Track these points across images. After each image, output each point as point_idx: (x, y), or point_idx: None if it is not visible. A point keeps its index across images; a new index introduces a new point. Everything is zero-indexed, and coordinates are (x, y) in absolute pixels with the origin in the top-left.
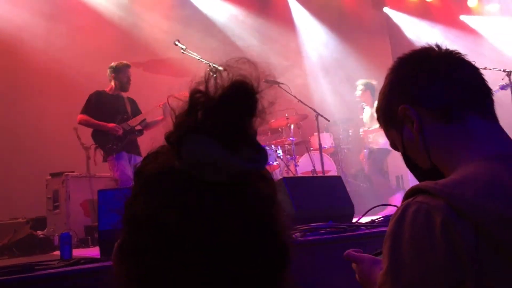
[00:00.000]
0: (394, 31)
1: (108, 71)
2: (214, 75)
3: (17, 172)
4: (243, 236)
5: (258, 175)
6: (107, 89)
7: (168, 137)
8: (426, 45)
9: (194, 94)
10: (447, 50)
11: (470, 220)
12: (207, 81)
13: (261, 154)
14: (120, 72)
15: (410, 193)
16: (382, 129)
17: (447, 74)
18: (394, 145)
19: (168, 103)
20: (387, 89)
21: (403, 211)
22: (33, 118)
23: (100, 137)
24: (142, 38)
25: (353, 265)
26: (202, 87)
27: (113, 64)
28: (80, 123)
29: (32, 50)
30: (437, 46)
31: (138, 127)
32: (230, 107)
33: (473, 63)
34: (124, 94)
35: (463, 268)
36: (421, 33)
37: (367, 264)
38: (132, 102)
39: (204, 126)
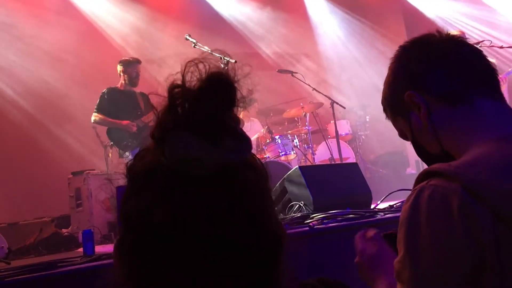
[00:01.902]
0: (408, 10)
1: (118, 66)
2: (226, 67)
3: (40, 172)
4: (231, 227)
5: (245, 164)
6: (118, 85)
7: (152, 134)
8: (427, 33)
9: (173, 89)
10: (448, 35)
11: (486, 202)
12: (184, 75)
13: (244, 144)
14: (129, 67)
15: (423, 177)
16: (389, 120)
17: (450, 57)
18: (402, 134)
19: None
20: (391, 78)
21: (417, 195)
22: (54, 118)
23: (115, 135)
24: (157, 35)
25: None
26: (179, 82)
27: (123, 58)
28: (95, 122)
29: (50, 48)
30: (438, 32)
31: (152, 123)
32: (208, 100)
33: (477, 46)
34: (136, 89)
35: (482, 251)
36: (437, 9)
37: (366, 263)
38: (145, 97)
39: (184, 121)
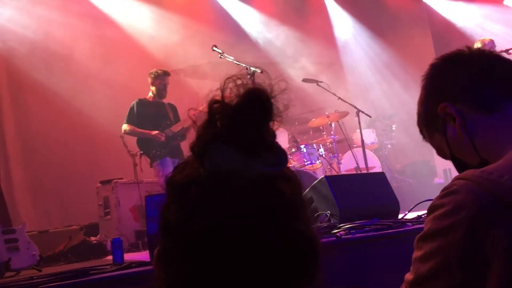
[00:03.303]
0: (435, 20)
1: (148, 77)
2: (252, 77)
3: (69, 181)
4: (267, 238)
5: (281, 177)
6: (147, 97)
7: (192, 148)
8: (457, 49)
9: (212, 104)
10: (479, 49)
11: (505, 203)
12: (223, 91)
13: (281, 157)
14: (157, 79)
15: (452, 182)
16: (427, 140)
17: (482, 68)
18: (441, 151)
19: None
20: (423, 96)
21: (442, 190)
22: (83, 128)
23: (145, 144)
24: (179, 46)
25: None
26: (219, 97)
27: (152, 70)
28: (125, 133)
29: (81, 59)
30: (468, 48)
31: (181, 133)
32: (246, 115)
33: (508, 57)
34: (165, 101)
35: (486, 261)
36: (464, 17)
37: None
38: (173, 108)
39: (223, 135)
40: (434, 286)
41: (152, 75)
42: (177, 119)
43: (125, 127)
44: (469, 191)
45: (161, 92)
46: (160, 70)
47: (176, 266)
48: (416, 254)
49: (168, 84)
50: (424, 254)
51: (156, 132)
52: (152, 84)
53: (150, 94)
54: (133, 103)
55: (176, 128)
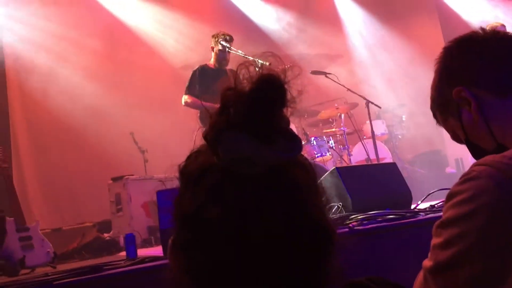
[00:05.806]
0: (443, 10)
1: (211, 41)
2: (260, 70)
3: (81, 179)
4: (282, 225)
5: (295, 163)
6: (209, 63)
7: (205, 136)
8: (470, 31)
9: (225, 92)
10: (493, 31)
11: None
12: (236, 78)
13: (295, 143)
14: (217, 45)
15: (471, 168)
16: (441, 125)
17: (496, 51)
18: (455, 136)
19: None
20: (437, 80)
21: (461, 177)
22: (93, 126)
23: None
24: (188, 39)
25: None
26: (232, 85)
27: (214, 33)
28: (186, 104)
29: (88, 55)
30: (482, 29)
31: None
32: (260, 101)
33: None
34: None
35: (506, 246)
36: (472, 8)
37: None
38: (235, 74)
39: (237, 122)
40: (455, 273)
41: (213, 38)
42: None
43: (186, 98)
44: (490, 177)
45: (221, 61)
46: (222, 34)
47: (189, 253)
48: (435, 241)
49: (230, 52)
50: (444, 241)
51: None
52: (213, 50)
53: (212, 60)
54: (195, 69)
55: None
